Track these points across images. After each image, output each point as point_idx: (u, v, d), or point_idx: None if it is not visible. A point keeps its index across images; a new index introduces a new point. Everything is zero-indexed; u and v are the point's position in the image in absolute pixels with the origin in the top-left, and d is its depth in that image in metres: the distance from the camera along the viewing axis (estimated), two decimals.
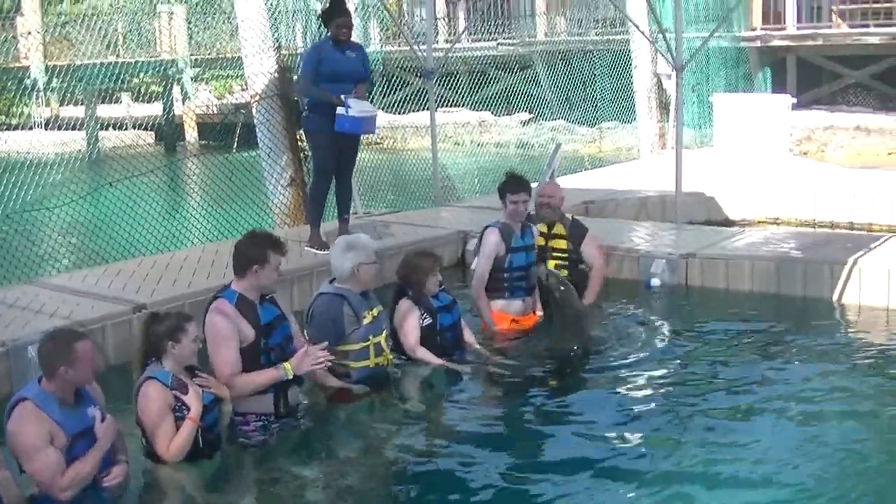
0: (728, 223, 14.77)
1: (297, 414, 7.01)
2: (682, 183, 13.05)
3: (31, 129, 27.81)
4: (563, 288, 8.54)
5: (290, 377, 6.79)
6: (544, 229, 9.60)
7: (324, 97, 10.91)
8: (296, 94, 13.43)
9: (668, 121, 21.58)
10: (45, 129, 27.93)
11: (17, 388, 6.02)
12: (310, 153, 12.18)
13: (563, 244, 9.64)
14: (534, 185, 9.62)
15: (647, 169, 18.28)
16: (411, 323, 8.02)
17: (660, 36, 16.56)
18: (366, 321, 7.50)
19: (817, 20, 28.75)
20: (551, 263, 9.48)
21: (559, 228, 9.67)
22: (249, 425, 6.81)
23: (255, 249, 6.85)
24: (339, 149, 11.18)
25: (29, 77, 27.96)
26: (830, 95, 28.21)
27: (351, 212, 12.21)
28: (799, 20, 28.32)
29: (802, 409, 7.27)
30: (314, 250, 11.03)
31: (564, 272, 9.53)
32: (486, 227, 9.29)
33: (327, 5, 11.57)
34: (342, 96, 10.69)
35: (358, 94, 10.83)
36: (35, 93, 28.49)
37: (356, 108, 10.70)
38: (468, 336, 8.47)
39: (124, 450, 6.16)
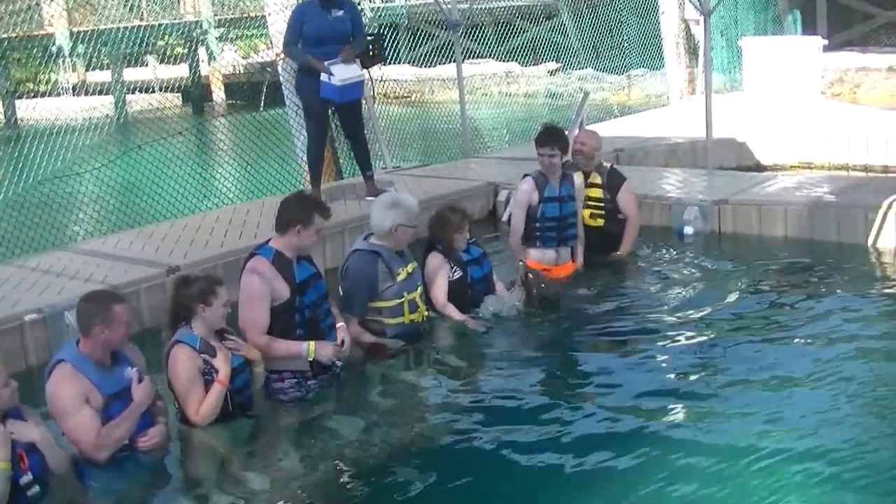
0: (760, 168, 14.67)
1: (333, 370, 6.98)
2: (713, 128, 12.92)
3: (58, 95, 27.93)
4: (542, 285, 8.39)
5: (310, 360, 6.80)
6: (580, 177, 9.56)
7: (307, 63, 10.68)
8: None
9: (696, 66, 21.38)
10: (73, 95, 28.06)
11: (56, 354, 6.03)
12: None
13: (598, 193, 9.60)
14: None
15: (676, 115, 18.13)
16: (441, 279, 8.01)
17: None
18: (400, 278, 7.49)
19: None
20: (586, 212, 9.46)
21: (595, 177, 9.63)
22: (284, 382, 6.83)
23: (300, 209, 6.85)
24: (334, 111, 11.09)
25: (54, 44, 28.03)
26: (862, 36, 27.91)
27: (380, 166, 12.15)
28: None
29: (839, 355, 7.17)
30: None
31: (601, 221, 9.52)
32: (524, 177, 9.25)
33: None
34: (326, 63, 10.47)
35: (345, 57, 10.55)
36: (61, 59, 28.56)
37: (339, 75, 10.46)
38: (500, 288, 8.44)
39: (164, 412, 6.19)
